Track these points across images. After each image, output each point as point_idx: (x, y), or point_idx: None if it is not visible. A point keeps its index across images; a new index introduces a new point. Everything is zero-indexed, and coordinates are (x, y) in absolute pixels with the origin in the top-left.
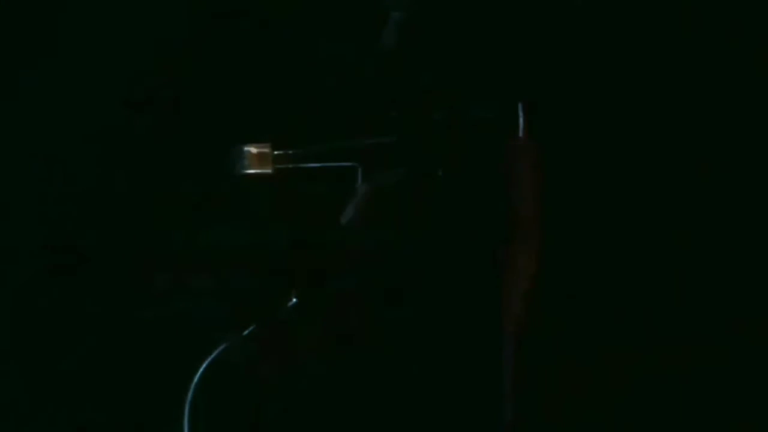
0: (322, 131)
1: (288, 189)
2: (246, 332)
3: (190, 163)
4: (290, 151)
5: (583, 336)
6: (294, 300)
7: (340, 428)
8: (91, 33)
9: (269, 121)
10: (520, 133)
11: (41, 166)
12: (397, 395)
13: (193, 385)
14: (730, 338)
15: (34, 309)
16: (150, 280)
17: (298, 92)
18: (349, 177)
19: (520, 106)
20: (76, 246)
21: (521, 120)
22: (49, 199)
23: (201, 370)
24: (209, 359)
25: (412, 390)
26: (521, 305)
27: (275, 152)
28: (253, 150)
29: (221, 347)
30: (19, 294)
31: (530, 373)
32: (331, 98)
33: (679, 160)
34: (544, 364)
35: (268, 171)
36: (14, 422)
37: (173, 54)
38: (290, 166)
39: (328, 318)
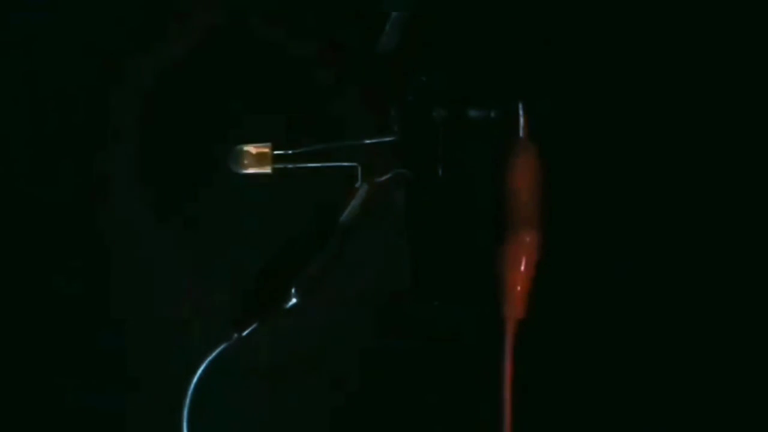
0: (322, 131)
1: (288, 189)
2: (246, 332)
3: (189, 163)
4: (290, 151)
5: (584, 335)
6: (294, 300)
7: (337, 425)
8: (86, 28)
9: (269, 121)
10: (521, 133)
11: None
12: (395, 395)
13: (192, 385)
14: (731, 338)
15: (34, 306)
16: (148, 281)
17: (297, 92)
18: (349, 177)
19: (520, 106)
20: (80, 246)
21: (521, 120)
22: (42, 201)
23: (201, 369)
24: (209, 359)
25: (409, 390)
26: (520, 305)
27: (275, 152)
28: (253, 150)
29: (221, 347)
30: (16, 292)
31: (530, 372)
32: (331, 98)
33: (681, 159)
34: (543, 364)
35: (268, 171)
36: (12, 419)
37: (171, 52)
38: (290, 166)
39: None
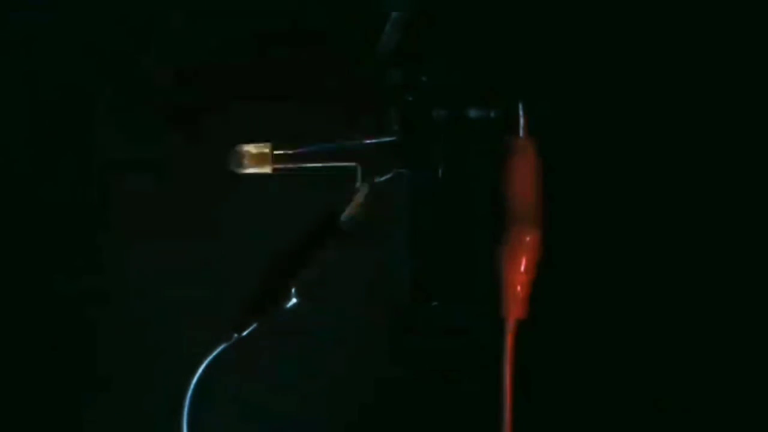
0: (322, 131)
1: (288, 189)
2: (246, 332)
3: (189, 163)
4: (290, 151)
5: (584, 335)
6: (294, 300)
7: (337, 424)
8: (86, 28)
9: (269, 121)
10: (521, 133)
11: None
12: (395, 394)
13: (192, 385)
14: (731, 338)
15: (34, 306)
16: (148, 280)
17: (297, 92)
18: (349, 177)
19: (520, 106)
20: (80, 246)
21: (521, 120)
22: (42, 201)
23: (200, 370)
24: (209, 359)
25: (409, 389)
26: (520, 305)
27: (275, 152)
28: (253, 150)
29: (221, 347)
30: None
31: (530, 372)
32: (330, 98)
33: (680, 158)
34: (543, 364)
35: (268, 171)
36: (12, 419)
37: (171, 52)
38: (290, 166)
39: None
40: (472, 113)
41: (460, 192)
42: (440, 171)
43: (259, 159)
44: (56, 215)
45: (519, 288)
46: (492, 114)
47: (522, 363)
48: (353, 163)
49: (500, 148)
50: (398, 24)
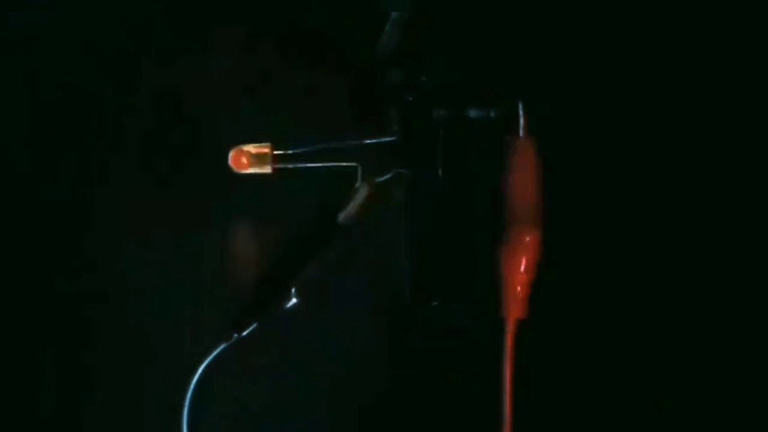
0: (322, 131)
1: (288, 189)
2: (246, 332)
3: (189, 163)
4: (290, 151)
5: (584, 335)
6: (294, 300)
7: (337, 424)
8: (86, 28)
9: (269, 121)
10: (521, 133)
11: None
12: (395, 394)
13: (192, 386)
14: (731, 338)
15: (34, 306)
16: (148, 281)
17: (297, 91)
18: (349, 177)
19: (520, 106)
20: (80, 246)
21: (521, 120)
22: (42, 201)
23: (200, 370)
24: (209, 359)
25: (408, 390)
26: (520, 305)
27: (275, 152)
28: (253, 150)
29: (221, 347)
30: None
31: (530, 372)
32: (331, 99)
33: (680, 158)
34: (543, 364)
35: (268, 171)
36: (12, 419)
37: (170, 53)
38: (290, 166)
39: None
40: (472, 113)
41: (460, 192)
42: (440, 171)
43: (259, 159)
44: (56, 215)
45: (519, 288)
46: (492, 114)
47: (522, 363)
48: (353, 163)
49: (500, 148)
50: (398, 24)
